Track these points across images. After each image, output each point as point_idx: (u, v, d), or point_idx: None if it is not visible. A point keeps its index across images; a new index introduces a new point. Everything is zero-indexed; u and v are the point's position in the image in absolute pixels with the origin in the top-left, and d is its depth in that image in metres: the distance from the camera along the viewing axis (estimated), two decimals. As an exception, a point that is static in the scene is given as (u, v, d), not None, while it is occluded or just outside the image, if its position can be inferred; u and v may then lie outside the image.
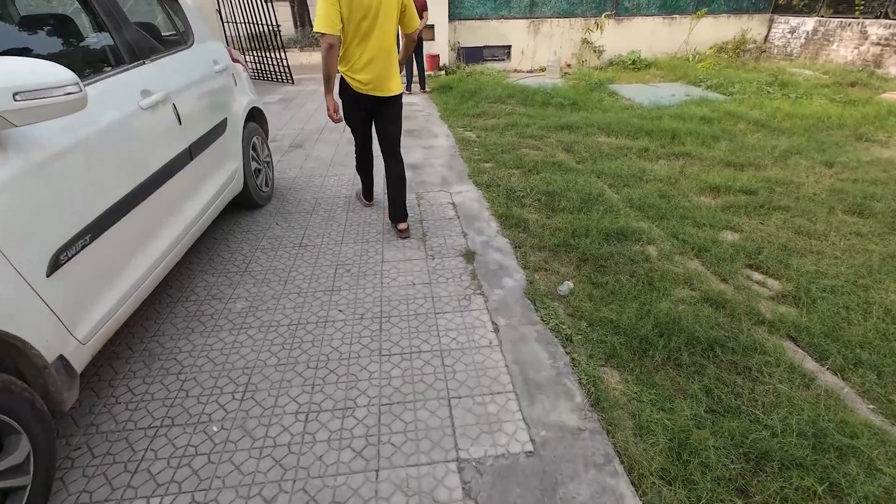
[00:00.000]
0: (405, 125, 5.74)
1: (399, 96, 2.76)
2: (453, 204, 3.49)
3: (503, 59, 9.99)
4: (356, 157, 3.16)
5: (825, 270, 2.63)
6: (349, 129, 3.00)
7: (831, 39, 8.97)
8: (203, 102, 2.54)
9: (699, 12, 9.63)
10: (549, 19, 9.63)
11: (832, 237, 3.04)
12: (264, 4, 8.00)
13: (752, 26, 10.29)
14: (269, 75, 9.09)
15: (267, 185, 3.50)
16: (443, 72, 9.16)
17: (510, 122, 5.66)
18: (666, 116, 5.84)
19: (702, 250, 2.82)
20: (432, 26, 9.05)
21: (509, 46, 9.85)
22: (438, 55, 9.12)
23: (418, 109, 6.69)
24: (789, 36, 9.89)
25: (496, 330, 2.11)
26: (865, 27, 8.37)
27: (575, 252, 2.78)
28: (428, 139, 5.16)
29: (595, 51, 9.77)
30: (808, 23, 9.37)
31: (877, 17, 8.39)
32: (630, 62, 9.67)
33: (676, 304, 2.29)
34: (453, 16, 9.34)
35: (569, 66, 9.91)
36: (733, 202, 3.51)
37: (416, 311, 2.26)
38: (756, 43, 10.39)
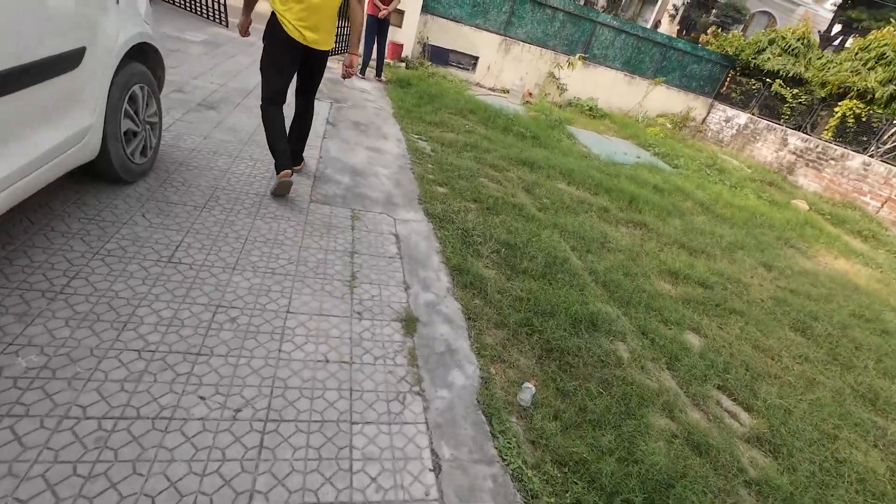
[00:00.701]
0: (352, 115, 4.89)
1: (327, 53, 2.74)
2: (396, 236, 2.77)
3: (468, 69, 9.47)
4: (265, 120, 2.69)
5: (789, 405, 2.40)
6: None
7: (757, 138, 9.78)
8: (29, 7, 1.55)
9: (657, 79, 9.98)
10: (521, 43, 9.32)
11: (785, 359, 2.89)
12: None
13: (696, 106, 10.97)
14: (198, 8, 7.55)
15: (144, 154, 2.49)
16: (403, 64, 8.36)
17: (470, 141, 5.08)
18: (623, 176, 5.69)
19: (673, 359, 2.44)
20: (402, 12, 8.23)
21: (477, 58, 9.35)
22: (402, 45, 8.31)
23: (369, 99, 5.84)
24: (723, 124, 10.67)
25: (437, 469, 1.44)
26: (787, 135, 9.22)
27: (538, 336, 2.23)
28: (376, 139, 4.37)
29: (559, 87, 9.66)
30: (742, 117, 10.16)
31: (797, 129, 9.30)
32: (588, 108, 9.71)
33: (657, 442, 1.83)
34: (427, 8, 8.61)
35: (531, 94, 9.68)
36: (692, 295, 3.27)
37: (322, 413, 1.51)
38: (695, 122, 11.09)
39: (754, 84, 10.14)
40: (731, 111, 10.48)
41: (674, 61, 10.33)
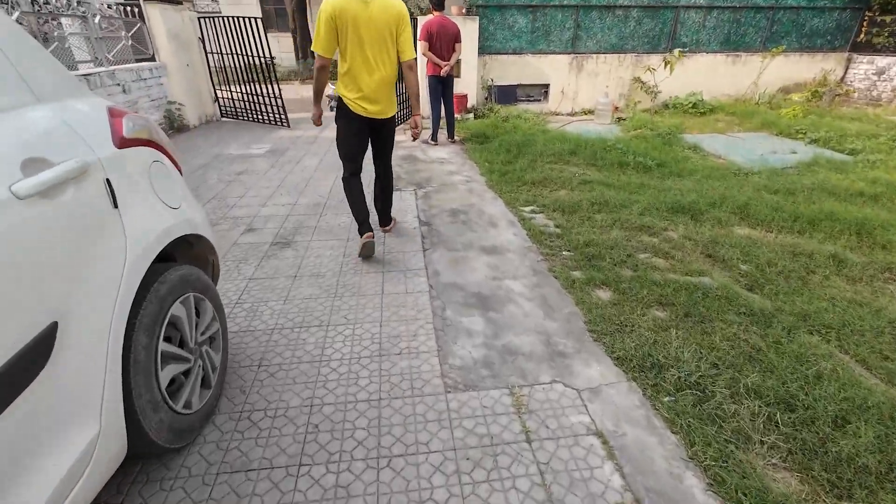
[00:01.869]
0: (443, 199, 3.97)
1: (393, 118, 2.89)
2: (599, 435, 1.66)
3: (539, 100, 8.44)
4: (346, 191, 2.98)
5: None
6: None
7: (938, 83, 7.46)
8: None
9: (776, 49, 8.16)
10: (594, 55, 8.13)
11: None
12: (258, 33, 6.41)
13: (828, 66, 8.86)
14: (260, 116, 7.43)
15: (207, 384, 1.68)
16: (471, 115, 7.55)
17: (591, 196, 3.93)
18: (804, 190, 4.15)
19: None
20: (459, 61, 7.49)
21: (547, 85, 8.31)
22: (466, 95, 7.53)
23: (453, 170, 4.97)
24: (874, 78, 8.43)
25: None
26: None
27: None
28: (485, 231, 3.39)
29: (649, 92, 8.24)
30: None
31: None
32: (690, 105, 8.13)
33: None
34: (483, 49, 7.82)
35: (617, 108, 8.35)
36: None
37: None
38: (829, 86, 8.93)
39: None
40: (882, 60, 8.25)
41: (786, 23, 8.46)
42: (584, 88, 8.36)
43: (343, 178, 2.95)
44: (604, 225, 3.40)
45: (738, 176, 4.75)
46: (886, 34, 8.42)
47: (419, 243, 3.18)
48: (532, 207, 3.82)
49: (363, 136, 2.85)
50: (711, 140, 6.38)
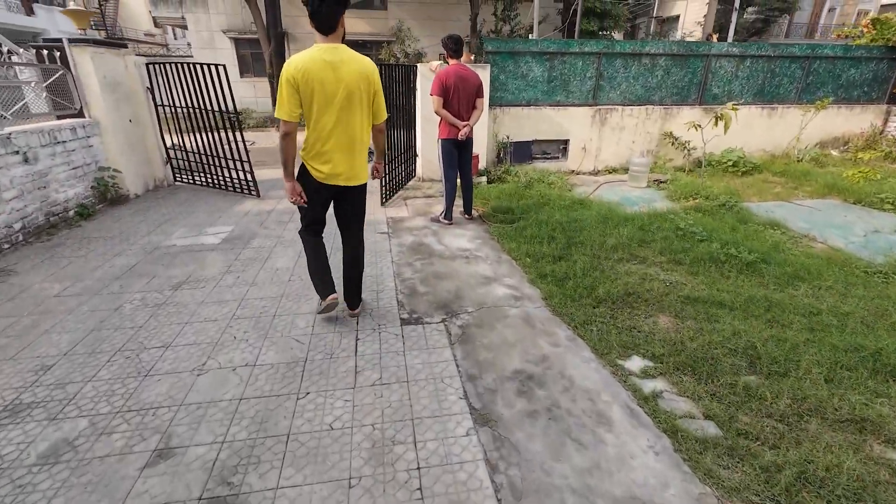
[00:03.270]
0: (492, 346, 2.43)
1: (365, 185, 2.60)
2: None
3: (557, 158, 7.27)
4: (307, 251, 2.67)
5: None
6: None
7: None
8: None
9: (820, 101, 7.28)
10: (618, 107, 7.08)
11: None
12: (221, 82, 5.04)
13: (866, 119, 8.07)
14: (223, 181, 5.95)
15: None
16: (483, 178, 6.27)
17: (719, 335, 2.56)
18: None
19: None
20: None
21: (566, 141, 7.17)
22: (477, 156, 6.27)
23: (488, 274, 3.53)
24: (922, 132, 7.62)
25: None
26: None
27: None
28: (595, 444, 1.91)
29: (683, 148, 7.18)
30: (958, 118, 7.11)
31: None
32: (730, 163, 7.09)
33: None
34: (494, 101, 6.67)
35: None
36: None
37: None
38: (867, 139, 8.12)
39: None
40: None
41: (822, 73, 7.67)
42: (607, 144, 7.25)
43: (300, 234, 2.66)
44: (790, 414, 1.99)
45: (873, 275, 3.50)
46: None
47: (478, 468, 1.69)
48: (640, 363, 2.40)
49: (326, 202, 2.57)
50: (784, 212, 5.22)
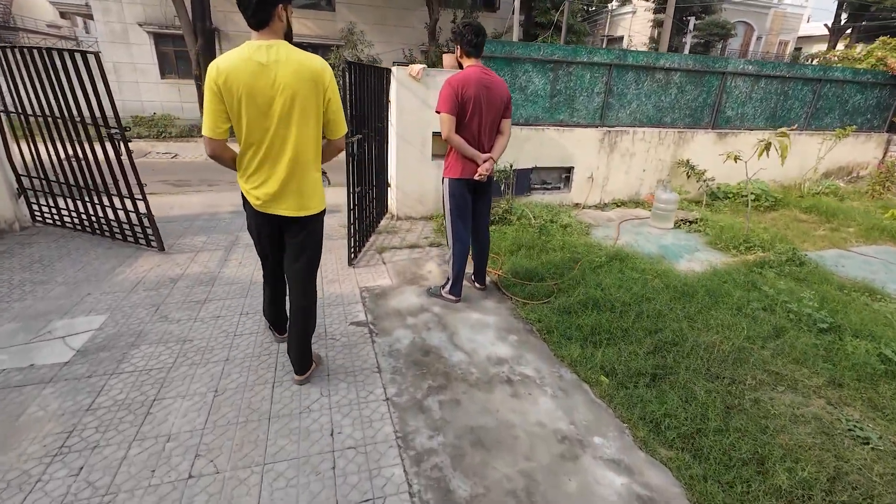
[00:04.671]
0: None
1: (317, 217, 2.03)
2: None
3: (559, 188, 5.99)
4: (264, 290, 2.34)
5: None
6: None
7: None
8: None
9: (844, 129, 6.57)
10: (629, 129, 5.95)
11: None
12: (94, 81, 3.20)
13: (869, 148, 7.56)
14: (105, 226, 4.03)
15: None
16: (481, 218, 4.80)
17: None
18: None
19: None
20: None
21: (569, 169, 5.92)
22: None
23: (560, 429, 2.03)
24: (927, 164, 7.17)
25: None
26: None
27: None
28: None
29: (700, 178, 6.17)
30: (969, 150, 6.68)
31: None
32: (752, 197, 6.17)
33: None
34: (488, 118, 5.28)
35: (654, 198, 6.16)
36: None
37: None
38: (866, 168, 7.63)
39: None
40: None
41: (831, 97, 7.04)
42: (615, 173, 6.08)
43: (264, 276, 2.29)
44: None
45: None
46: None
47: None
48: None
49: (270, 237, 2.06)
50: (855, 266, 4.22)
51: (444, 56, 4.84)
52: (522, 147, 5.51)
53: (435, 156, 5.20)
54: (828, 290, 3.50)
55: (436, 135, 5.16)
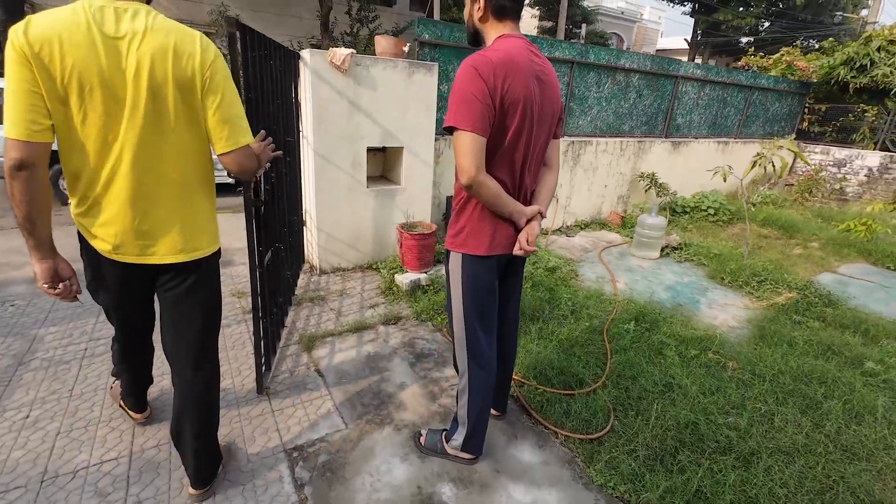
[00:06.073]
0: None
1: (209, 261, 1.40)
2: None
3: (520, 212, 4.89)
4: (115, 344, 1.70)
5: None
6: None
7: (918, 181, 6.70)
8: None
9: (784, 139, 6.47)
10: (592, 139, 5.06)
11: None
12: None
13: (784, 154, 7.77)
14: None
15: None
16: (425, 274, 3.44)
17: None
18: None
19: None
20: (400, 150, 3.48)
21: (531, 188, 4.84)
22: (424, 232, 3.41)
23: None
24: (834, 170, 7.56)
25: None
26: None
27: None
28: None
29: (661, 191, 5.54)
30: (870, 157, 7.10)
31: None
32: (712, 211, 5.74)
33: None
34: (436, 128, 3.97)
35: (621, 217, 5.42)
36: None
37: None
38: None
39: (867, 109, 7.23)
40: (841, 152, 7.41)
41: (758, 105, 7.02)
42: (579, 191, 5.17)
43: (112, 346, 1.73)
44: None
45: None
46: (817, 122, 7.79)
47: None
48: None
49: (135, 299, 1.44)
50: (863, 295, 3.75)
51: (379, 39, 3.38)
52: (479, 164, 4.25)
53: (373, 179, 3.72)
54: (852, 338, 2.84)
55: (373, 151, 3.69)
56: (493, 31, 1.40)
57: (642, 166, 5.65)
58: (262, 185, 1.91)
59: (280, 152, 1.74)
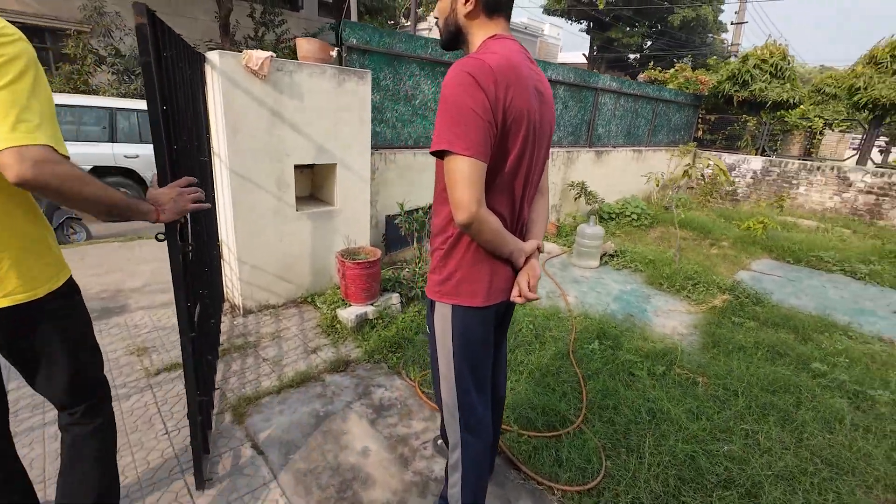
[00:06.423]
0: None
1: (58, 299, 1.10)
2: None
3: (460, 227, 4.69)
4: None
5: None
6: None
7: (793, 183, 7.68)
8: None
9: (686, 145, 7.01)
10: (523, 150, 5.03)
11: None
12: None
13: (686, 161, 8.50)
14: None
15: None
16: (372, 306, 3.08)
17: None
18: None
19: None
20: (334, 167, 3.10)
21: (470, 201, 4.67)
22: (369, 259, 3.05)
23: None
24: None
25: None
26: (845, 173, 7.27)
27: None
28: None
29: (590, 199, 5.70)
30: (754, 161, 8.01)
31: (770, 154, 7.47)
32: (634, 217, 6.03)
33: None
34: (377, 140, 3.63)
35: (556, 226, 5.47)
36: None
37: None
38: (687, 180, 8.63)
39: (748, 119, 8.15)
40: (731, 157, 8.28)
41: (662, 116, 7.59)
42: (515, 202, 5.10)
43: None
44: None
45: None
46: (708, 131, 8.68)
47: None
48: None
49: None
50: (778, 289, 4.09)
51: (302, 42, 2.97)
52: (417, 180, 4.00)
53: (303, 200, 3.27)
54: (825, 340, 3.06)
55: (301, 168, 3.25)
56: (481, 32, 1.13)
57: (572, 175, 5.77)
58: (189, 225, 1.46)
59: (207, 205, 1.34)
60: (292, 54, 3.57)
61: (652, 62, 14.51)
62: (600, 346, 2.73)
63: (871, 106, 7.26)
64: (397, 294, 3.10)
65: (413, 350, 2.58)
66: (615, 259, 4.59)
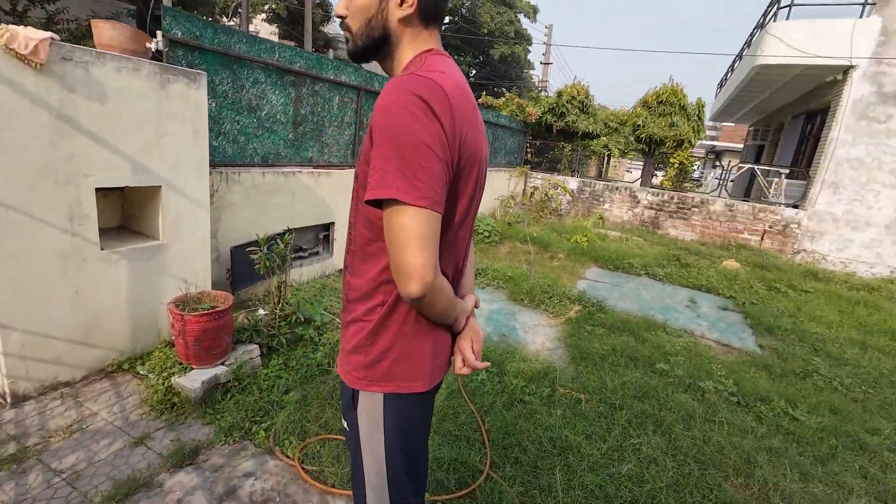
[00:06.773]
0: None
1: None
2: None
3: (318, 253, 4.21)
4: None
5: None
6: None
7: (602, 200, 9.19)
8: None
9: (519, 168, 7.71)
10: (381, 170, 4.84)
11: None
12: None
13: (521, 181, 9.45)
14: None
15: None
16: (224, 367, 2.51)
17: None
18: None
19: None
20: (157, 189, 2.42)
21: (329, 226, 4.24)
22: (218, 307, 2.43)
23: None
24: (551, 192, 9.64)
25: None
26: (635, 192, 8.97)
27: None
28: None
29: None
30: (571, 182, 9.35)
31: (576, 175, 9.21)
32: (485, 234, 6.38)
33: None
34: (216, 157, 2.95)
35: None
36: None
37: None
38: (522, 200, 9.62)
39: (565, 146, 9.47)
40: (554, 178, 9.51)
41: (500, 140, 8.29)
42: (376, 224, 4.86)
43: None
44: None
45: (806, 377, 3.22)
46: (535, 155, 9.91)
47: None
48: None
49: None
50: (609, 295, 4.75)
51: (103, 26, 2.23)
52: (271, 203, 3.46)
53: (111, 233, 2.46)
54: (655, 339, 3.60)
55: (103, 192, 2.46)
56: (414, 43, 0.89)
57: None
58: None
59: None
60: (83, 41, 2.70)
61: (482, 91, 15.95)
62: (488, 375, 2.68)
63: (647, 140, 9.21)
64: (255, 345, 2.54)
65: (285, 414, 2.12)
66: (478, 277, 4.72)
